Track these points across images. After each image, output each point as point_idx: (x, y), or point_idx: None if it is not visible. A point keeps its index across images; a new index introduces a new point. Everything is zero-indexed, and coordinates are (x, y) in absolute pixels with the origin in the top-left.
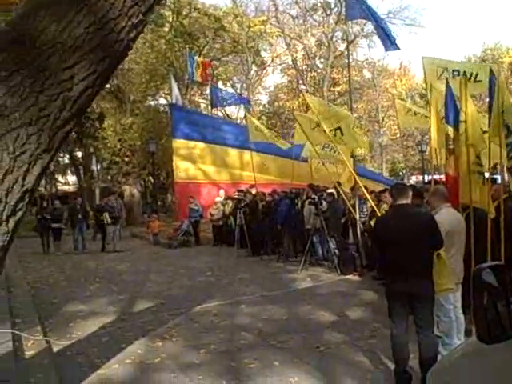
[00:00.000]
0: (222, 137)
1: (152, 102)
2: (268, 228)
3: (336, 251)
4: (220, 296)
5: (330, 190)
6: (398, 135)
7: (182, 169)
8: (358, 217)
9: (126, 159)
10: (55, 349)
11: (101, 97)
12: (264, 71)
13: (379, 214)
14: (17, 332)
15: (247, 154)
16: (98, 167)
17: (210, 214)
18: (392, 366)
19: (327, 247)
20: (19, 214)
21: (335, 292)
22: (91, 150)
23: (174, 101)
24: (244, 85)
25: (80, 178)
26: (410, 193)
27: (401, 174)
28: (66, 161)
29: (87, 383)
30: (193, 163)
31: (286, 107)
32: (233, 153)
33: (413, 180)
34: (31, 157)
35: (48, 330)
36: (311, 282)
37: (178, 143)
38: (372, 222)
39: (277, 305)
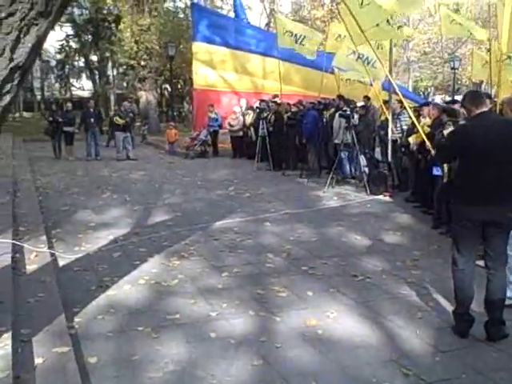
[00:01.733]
0: (244, 41)
1: (171, 3)
2: (292, 141)
3: (366, 169)
4: (241, 212)
5: (360, 103)
6: (428, 48)
7: (201, 75)
8: (390, 133)
9: (143, 63)
10: (61, 263)
11: None
12: None
13: (421, 130)
14: (18, 243)
15: (270, 62)
16: (114, 73)
17: (229, 124)
18: (443, 304)
19: (355, 164)
20: (7, 97)
21: (366, 213)
22: (107, 54)
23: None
24: None
25: (95, 83)
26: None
27: (422, 93)
28: (81, 64)
29: (94, 306)
30: (213, 69)
31: (312, 16)
32: (256, 60)
33: (438, 100)
34: (22, 21)
35: (54, 240)
36: (339, 201)
37: (198, 47)
38: (410, 139)
39: (304, 224)
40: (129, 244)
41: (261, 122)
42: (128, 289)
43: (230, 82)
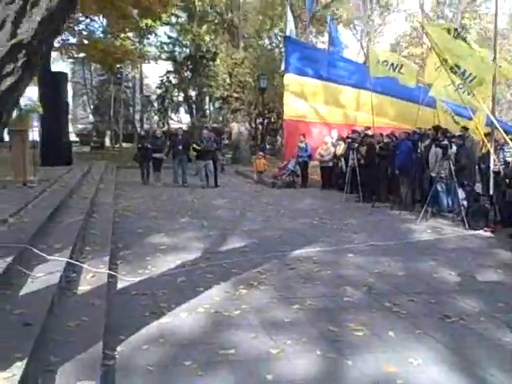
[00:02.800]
0: (337, 74)
1: (266, 40)
2: (384, 173)
3: (465, 202)
4: (323, 241)
5: (458, 133)
6: None
7: (292, 106)
8: (492, 164)
9: (235, 95)
10: (120, 285)
11: (214, 31)
12: (387, 14)
13: None
14: (74, 262)
15: (364, 95)
16: (211, 107)
17: (320, 154)
18: None
19: (453, 197)
20: (8, 80)
21: (463, 248)
22: (204, 89)
23: (288, 33)
24: (364, 30)
25: (192, 117)
26: None
27: None
28: (180, 99)
29: (143, 334)
30: (304, 100)
31: (409, 55)
32: (348, 92)
33: None
34: None
35: (120, 262)
36: (433, 235)
37: (289, 78)
38: None
39: (391, 257)
40: (196, 269)
41: (351, 153)
42: (184, 317)
43: (321, 113)
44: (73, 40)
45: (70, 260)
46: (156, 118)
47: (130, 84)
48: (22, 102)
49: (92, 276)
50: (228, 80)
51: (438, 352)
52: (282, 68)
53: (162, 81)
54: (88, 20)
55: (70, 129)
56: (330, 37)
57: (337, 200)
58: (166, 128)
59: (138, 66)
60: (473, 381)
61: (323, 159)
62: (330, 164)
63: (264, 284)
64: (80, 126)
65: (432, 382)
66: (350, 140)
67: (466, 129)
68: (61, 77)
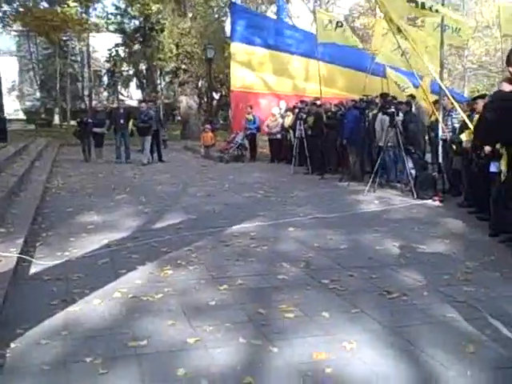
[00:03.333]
0: (285, 43)
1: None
2: (332, 143)
3: (413, 171)
4: (265, 215)
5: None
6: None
7: (239, 76)
8: (440, 132)
9: (184, 67)
10: (32, 271)
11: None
12: None
13: (471, 127)
14: None
15: (313, 65)
16: (162, 83)
17: (267, 126)
18: (504, 333)
19: (401, 167)
20: None
21: (410, 218)
22: (154, 62)
23: None
24: None
25: (143, 92)
26: None
27: None
28: (130, 73)
29: (45, 326)
30: (251, 71)
31: (361, 25)
32: (297, 61)
33: None
34: None
35: (39, 244)
36: (380, 206)
37: (236, 48)
38: (463, 136)
39: (334, 230)
40: (122, 249)
41: (298, 123)
42: (96, 304)
43: (270, 84)
44: (7, 8)
45: None
46: (106, 93)
47: (79, 58)
48: None
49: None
50: (175, 51)
51: (374, 333)
52: None
53: (110, 54)
54: None
55: (17, 106)
56: (277, 5)
57: (285, 173)
58: (116, 104)
59: (84, 39)
60: (411, 363)
61: (271, 131)
62: (279, 136)
63: (193, 263)
64: (28, 103)
65: (365, 368)
66: (297, 110)
67: (413, 97)
68: None
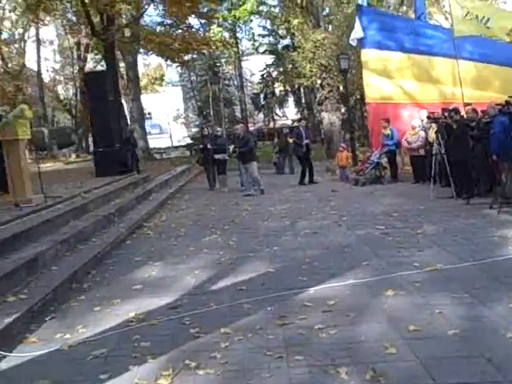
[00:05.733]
0: (425, 44)
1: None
2: (480, 159)
3: None
4: (367, 266)
5: None
6: None
7: (374, 86)
8: None
9: (319, 81)
10: (4, 366)
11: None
12: None
13: None
14: None
15: (463, 66)
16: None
17: (407, 141)
18: None
19: None
20: None
21: None
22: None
23: (360, 1)
24: None
25: (303, 111)
26: None
27: None
28: (283, 92)
29: None
30: (388, 79)
31: None
32: (441, 64)
33: None
34: None
35: (49, 318)
36: None
37: (368, 55)
38: None
39: (454, 294)
40: (139, 330)
41: (435, 136)
42: None
43: (411, 92)
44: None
45: None
46: (261, 115)
47: (235, 82)
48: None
49: None
50: (308, 67)
51: None
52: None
53: (262, 75)
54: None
55: (185, 133)
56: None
57: (426, 198)
58: (272, 125)
59: (233, 62)
60: None
61: (412, 147)
62: (422, 152)
63: (212, 365)
64: (194, 130)
65: None
66: (431, 120)
67: None
68: (99, 75)
